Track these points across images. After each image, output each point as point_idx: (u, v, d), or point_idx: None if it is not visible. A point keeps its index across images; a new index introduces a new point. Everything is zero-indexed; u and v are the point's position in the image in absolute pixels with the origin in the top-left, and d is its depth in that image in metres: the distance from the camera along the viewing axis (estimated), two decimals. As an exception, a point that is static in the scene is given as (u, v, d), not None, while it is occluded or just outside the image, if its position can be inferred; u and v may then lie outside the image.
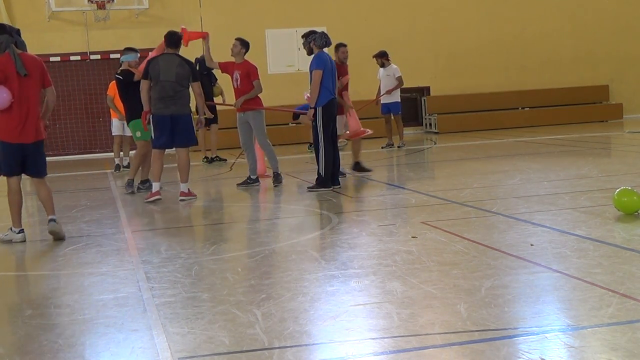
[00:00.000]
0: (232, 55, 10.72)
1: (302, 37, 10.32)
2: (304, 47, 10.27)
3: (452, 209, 8.38)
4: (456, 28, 20.08)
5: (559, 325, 4.29)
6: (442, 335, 4.17)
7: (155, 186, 9.87)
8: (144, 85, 9.80)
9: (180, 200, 9.80)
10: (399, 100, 15.90)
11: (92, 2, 17.32)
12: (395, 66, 15.72)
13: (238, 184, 10.95)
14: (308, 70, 10.08)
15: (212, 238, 7.66)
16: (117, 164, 14.05)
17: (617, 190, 7.32)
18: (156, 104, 9.71)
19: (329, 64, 9.97)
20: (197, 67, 14.26)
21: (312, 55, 10.06)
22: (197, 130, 10.48)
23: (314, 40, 10.05)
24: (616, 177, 9.74)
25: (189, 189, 9.93)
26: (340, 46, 11.40)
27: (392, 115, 15.95)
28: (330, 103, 9.93)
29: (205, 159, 14.67)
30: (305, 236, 7.26)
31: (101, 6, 17.31)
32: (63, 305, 5.15)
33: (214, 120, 14.45)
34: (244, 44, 10.71)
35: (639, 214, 7.12)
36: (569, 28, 20.70)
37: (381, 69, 15.73)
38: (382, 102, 15.77)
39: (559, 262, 5.60)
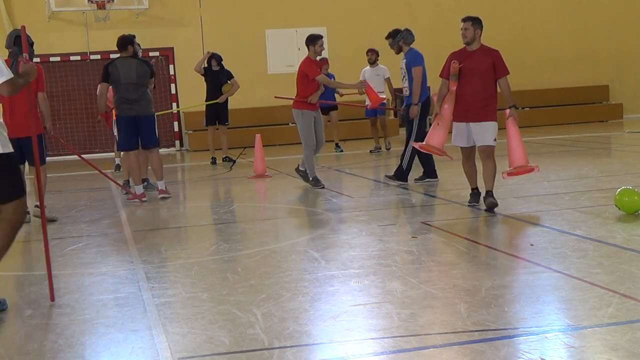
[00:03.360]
0: (319, 54, 10.27)
1: (388, 37, 10.16)
2: (392, 47, 10.14)
3: (452, 209, 8.38)
4: (456, 28, 19.97)
5: (559, 325, 4.29)
6: (442, 335, 4.17)
7: (138, 189, 9.96)
8: (102, 89, 9.93)
9: (161, 198, 9.96)
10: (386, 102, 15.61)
11: (92, 2, 17.31)
12: (384, 67, 15.00)
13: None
14: (404, 68, 10.04)
15: (212, 238, 7.66)
16: (118, 164, 14.04)
17: (619, 189, 7.32)
18: (120, 105, 9.88)
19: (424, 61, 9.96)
20: (209, 63, 14.30)
21: (404, 53, 10.04)
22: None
23: (403, 38, 9.99)
24: (616, 177, 9.74)
25: (165, 187, 10.14)
26: None
27: (377, 117, 15.19)
28: (427, 100, 10.01)
29: (226, 159, 14.47)
30: (305, 236, 7.25)
31: (101, 6, 17.30)
32: (63, 305, 5.15)
33: (224, 120, 14.42)
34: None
35: (639, 214, 7.12)
36: (569, 28, 20.69)
37: (368, 69, 14.94)
38: (367, 103, 14.68)
39: (559, 262, 5.60)
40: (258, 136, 12.19)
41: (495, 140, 7.96)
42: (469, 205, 8.20)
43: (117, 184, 10.72)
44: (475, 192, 8.26)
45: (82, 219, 8.79)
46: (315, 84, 10.07)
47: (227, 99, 14.29)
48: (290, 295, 5.09)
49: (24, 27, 5.72)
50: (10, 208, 5.05)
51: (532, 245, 6.20)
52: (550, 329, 4.19)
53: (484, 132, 7.93)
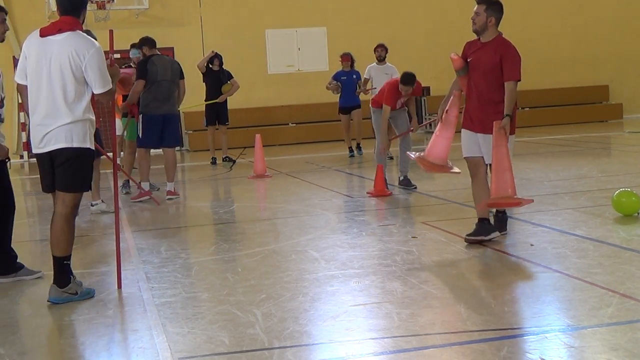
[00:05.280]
0: (403, 95, 9.83)
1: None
2: None
3: (452, 209, 8.38)
4: (456, 28, 20.07)
5: (559, 325, 4.29)
6: (442, 335, 4.17)
7: (145, 186, 9.98)
8: (139, 86, 9.81)
9: (168, 199, 9.93)
10: None
11: (92, 2, 17.28)
12: (392, 65, 14.01)
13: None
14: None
15: (212, 238, 7.66)
16: (118, 164, 14.04)
17: (616, 192, 7.31)
18: (150, 103, 9.83)
19: None
20: (211, 63, 14.26)
21: None
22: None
23: None
24: (616, 177, 9.74)
25: (174, 188, 10.09)
26: None
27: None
28: None
29: (226, 159, 14.35)
30: (305, 236, 7.25)
31: (101, 6, 17.29)
32: (63, 306, 5.15)
33: (224, 120, 14.41)
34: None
35: (638, 215, 7.12)
36: (569, 28, 20.69)
37: (375, 66, 13.95)
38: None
39: (559, 262, 5.60)
40: (258, 136, 12.20)
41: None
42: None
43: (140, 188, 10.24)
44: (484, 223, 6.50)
45: (82, 219, 8.79)
46: (390, 101, 9.78)
47: (226, 98, 14.28)
48: (290, 295, 5.09)
49: (111, 31, 5.71)
50: (75, 199, 5.32)
51: (532, 245, 6.20)
52: (550, 329, 4.19)
53: (489, 147, 6.30)
